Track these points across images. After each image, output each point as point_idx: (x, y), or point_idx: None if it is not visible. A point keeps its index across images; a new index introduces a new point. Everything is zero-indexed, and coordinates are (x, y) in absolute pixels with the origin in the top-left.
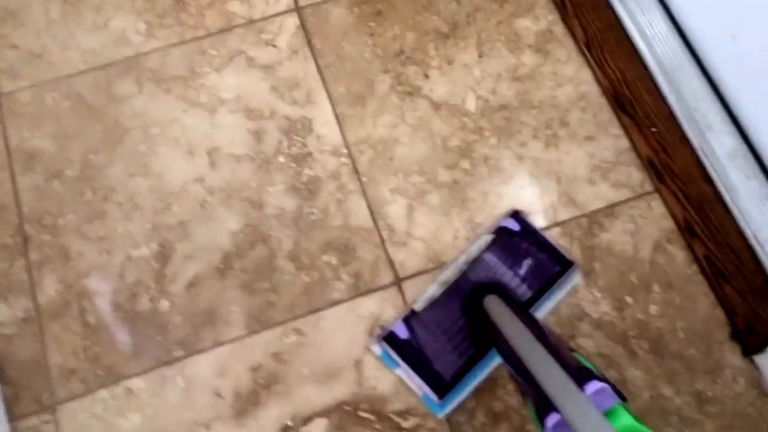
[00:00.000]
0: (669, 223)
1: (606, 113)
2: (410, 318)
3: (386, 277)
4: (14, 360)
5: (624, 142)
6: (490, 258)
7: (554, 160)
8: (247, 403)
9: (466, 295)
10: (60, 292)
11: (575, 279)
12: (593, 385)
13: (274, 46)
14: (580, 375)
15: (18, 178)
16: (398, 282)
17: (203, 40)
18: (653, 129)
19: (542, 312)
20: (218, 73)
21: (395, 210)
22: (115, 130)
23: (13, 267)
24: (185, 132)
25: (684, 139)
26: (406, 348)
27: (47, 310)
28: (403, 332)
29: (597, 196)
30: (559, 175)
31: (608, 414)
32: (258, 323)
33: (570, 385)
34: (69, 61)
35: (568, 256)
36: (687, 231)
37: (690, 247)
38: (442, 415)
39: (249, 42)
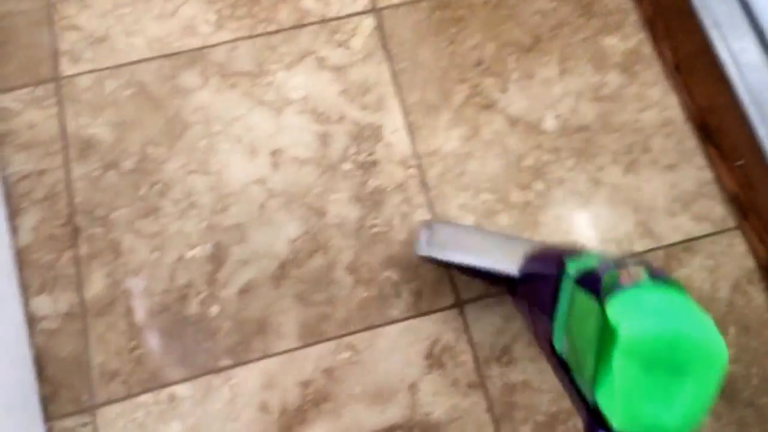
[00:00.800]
0: (750, 263)
1: (691, 142)
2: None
3: (448, 299)
4: (55, 357)
5: (708, 174)
6: None
7: (633, 187)
8: (293, 420)
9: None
10: (108, 289)
11: None
12: None
13: (348, 47)
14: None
15: (72, 166)
16: (460, 304)
17: (274, 36)
18: (740, 162)
19: None
20: (287, 72)
21: None
22: (176, 123)
23: (60, 259)
24: (249, 130)
25: None
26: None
27: (93, 307)
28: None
29: (676, 228)
30: (637, 203)
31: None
32: (311, 336)
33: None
34: (133, 48)
35: None
36: None
37: None
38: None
39: (321, 41)
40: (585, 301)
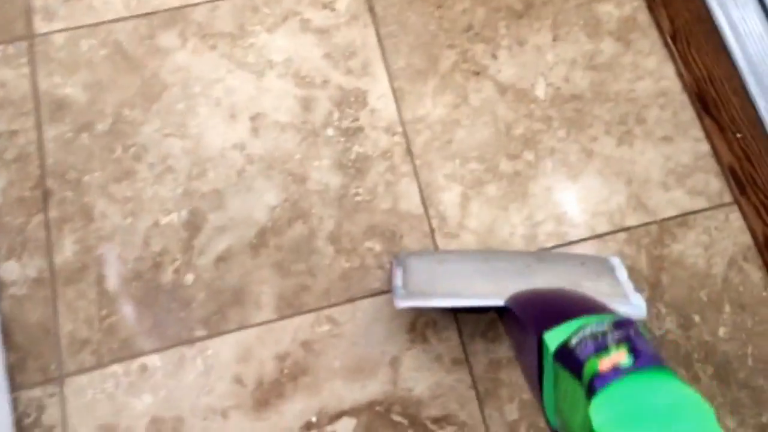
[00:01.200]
0: (747, 239)
1: (687, 113)
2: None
3: None
4: (22, 324)
5: (704, 147)
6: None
7: (626, 159)
8: (269, 394)
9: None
10: (78, 255)
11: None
12: None
13: (333, 9)
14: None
15: (44, 128)
16: None
17: None
18: (738, 135)
19: None
20: (269, 34)
21: (449, 198)
22: (153, 84)
23: (30, 223)
24: (228, 93)
25: None
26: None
27: (62, 273)
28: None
29: (670, 202)
30: (630, 176)
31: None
32: (290, 308)
33: None
34: (110, 6)
35: None
36: (767, 249)
37: None
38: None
39: (305, 2)
40: (569, 381)
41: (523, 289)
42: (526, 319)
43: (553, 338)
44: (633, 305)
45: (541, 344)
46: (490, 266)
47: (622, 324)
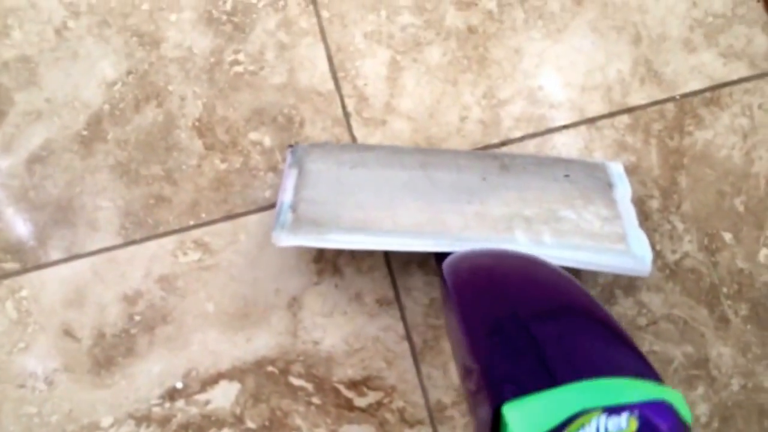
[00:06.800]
0: None
1: None
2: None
3: None
4: None
5: None
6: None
7: (634, 5)
8: (114, 350)
9: None
10: None
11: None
12: None
13: None
14: None
15: None
16: None
17: None
18: None
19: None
20: None
21: (371, 67)
22: None
23: None
24: None
25: None
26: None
27: None
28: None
29: (695, 69)
30: (638, 30)
31: None
32: (140, 228)
33: None
34: None
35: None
36: None
37: None
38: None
39: None
40: None
41: (471, 235)
42: (472, 339)
43: (523, 420)
44: (633, 257)
45: (497, 419)
46: (427, 177)
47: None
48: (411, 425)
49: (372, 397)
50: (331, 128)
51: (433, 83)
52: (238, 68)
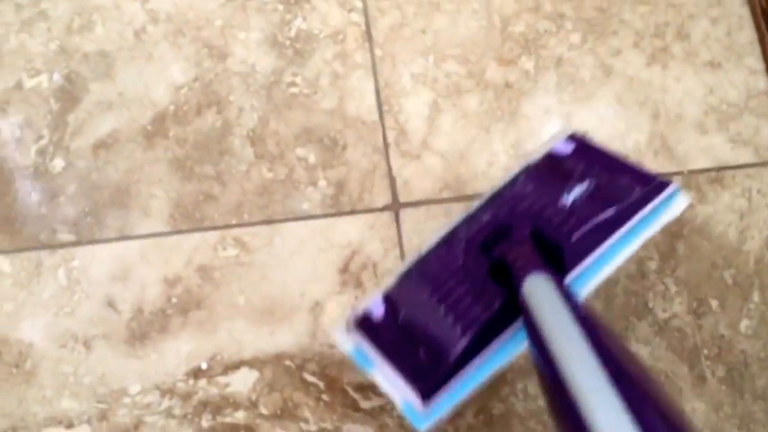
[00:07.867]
0: None
1: (746, 34)
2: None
3: (381, 197)
4: None
5: (762, 82)
6: (523, 186)
7: (656, 85)
8: (150, 326)
9: (476, 243)
10: None
11: (675, 204)
12: None
13: None
14: None
15: None
16: (396, 207)
17: None
18: None
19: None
20: None
21: (414, 105)
22: None
23: None
24: None
25: None
26: (382, 332)
27: None
28: (379, 311)
29: (705, 150)
30: (658, 107)
31: None
32: (187, 220)
33: None
34: None
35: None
36: None
37: None
38: (425, 428)
39: None
40: None
41: None
42: None
43: None
44: None
45: None
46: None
47: None
48: None
49: (376, 401)
50: (371, 154)
51: (467, 128)
52: (294, 89)
